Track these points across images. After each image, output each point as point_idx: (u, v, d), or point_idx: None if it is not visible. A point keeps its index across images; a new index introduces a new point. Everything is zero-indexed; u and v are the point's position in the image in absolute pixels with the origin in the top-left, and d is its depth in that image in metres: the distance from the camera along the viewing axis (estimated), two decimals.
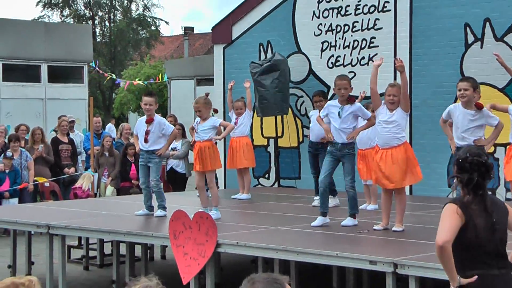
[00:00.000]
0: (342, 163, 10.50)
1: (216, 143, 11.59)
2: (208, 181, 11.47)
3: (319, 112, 12.84)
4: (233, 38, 17.46)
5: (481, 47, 14.15)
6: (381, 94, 10.43)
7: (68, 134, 18.19)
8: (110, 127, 26.60)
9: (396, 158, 9.81)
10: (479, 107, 10.06)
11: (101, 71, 25.66)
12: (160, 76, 30.98)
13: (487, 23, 14.04)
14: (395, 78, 14.67)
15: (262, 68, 15.83)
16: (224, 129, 12.18)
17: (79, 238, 13.91)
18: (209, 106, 11.64)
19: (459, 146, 9.75)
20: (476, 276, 5.32)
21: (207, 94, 12.02)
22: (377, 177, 10.00)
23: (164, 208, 11.54)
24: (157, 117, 11.73)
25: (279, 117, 16.41)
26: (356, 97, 10.89)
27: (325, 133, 10.64)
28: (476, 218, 5.33)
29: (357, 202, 10.52)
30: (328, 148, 10.63)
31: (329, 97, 15.25)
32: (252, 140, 14.75)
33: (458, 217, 5.31)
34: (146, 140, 11.54)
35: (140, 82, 25.27)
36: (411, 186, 14.15)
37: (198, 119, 11.55)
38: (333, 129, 10.48)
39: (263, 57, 16.83)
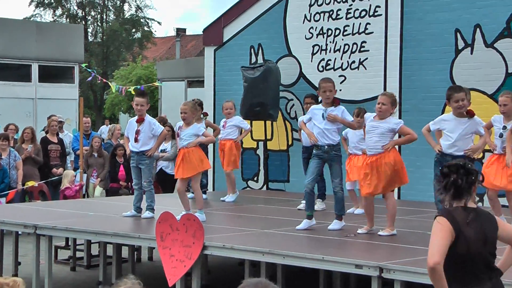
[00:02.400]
0: (329, 166, 10.50)
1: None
2: (193, 183, 11.40)
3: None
4: (224, 40, 17.47)
5: (471, 53, 14.19)
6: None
7: (57, 134, 18.16)
8: (103, 128, 26.58)
9: (381, 164, 9.84)
10: (471, 115, 10.01)
11: (101, 79, 25.56)
12: (155, 83, 30.94)
13: (478, 29, 14.08)
14: (385, 87, 14.68)
15: (256, 75, 15.88)
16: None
17: (67, 239, 13.88)
18: (196, 112, 11.68)
19: (449, 154, 9.72)
20: None
21: (196, 100, 12.08)
22: (362, 184, 10.05)
23: (152, 209, 11.52)
24: (148, 117, 11.73)
25: (264, 121, 16.40)
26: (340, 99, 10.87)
27: (308, 137, 10.63)
28: (466, 230, 5.27)
29: (344, 203, 10.50)
30: (314, 151, 10.62)
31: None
32: (242, 143, 14.73)
33: (448, 233, 5.23)
34: (136, 140, 11.53)
35: (131, 89, 25.27)
36: (399, 191, 14.18)
37: (180, 123, 11.52)
38: (317, 131, 10.48)
39: (253, 59, 16.85)
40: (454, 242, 5.26)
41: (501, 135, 10.26)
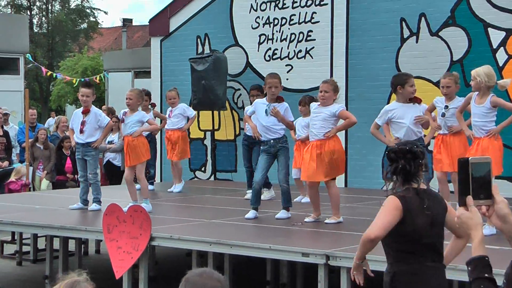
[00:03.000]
0: (277, 158, 10.53)
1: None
2: (138, 173, 11.40)
3: None
4: (170, 31, 17.40)
5: (417, 42, 14.32)
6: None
7: (2, 127, 17.91)
8: (51, 121, 26.29)
9: (321, 151, 9.90)
10: (419, 101, 10.05)
11: (44, 69, 25.44)
12: (98, 78, 30.78)
13: (423, 18, 14.21)
14: (331, 76, 14.74)
15: (205, 65, 15.87)
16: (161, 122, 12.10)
17: (12, 233, 13.72)
18: (141, 99, 11.65)
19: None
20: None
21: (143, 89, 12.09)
22: (304, 169, 10.14)
23: (99, 201, 11.45)
24: (94, 108, 11.65)
25: (215, 110, 16.40)
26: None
27: (253, 132, 10.66)
28: (414, 211, 5.35)
29: (290, 195, 10.55)
30: (262, 147, 10.63)
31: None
32: (189, 133, 14.71)
33: (397, 213, 5.32)
34: (81, 131, 11.44)
35: (74, 79, 25.28)
36: (346, 178, 14.28)
37: (124, 110, 11.48)
38: (260, 126, 10.50)
39: (200, 50, 16.81)
40: (402, 221, 5.34)
41: (443, 115, 10.38)
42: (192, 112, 14.05)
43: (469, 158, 3.35)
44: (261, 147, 10.67)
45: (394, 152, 5.50)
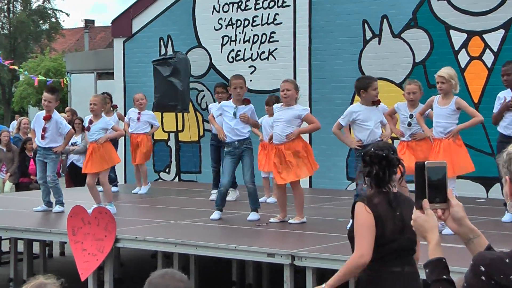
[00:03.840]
0: (242, 159, 10.57)
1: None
2: (101, 177, 11.37)
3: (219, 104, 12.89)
4: (133, 32, 17.37)
5: (379, 43, 14.42)
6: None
7: None
8: (15, 123, 26.06)
9: (286, 153, 9.95)
10: (378, 103, 10.09)
11: (7, 62, 25.20)
12: (64, 80, 30.63)
13: (385, 20, 14.32)
14: (294, 77, 14.78)
15: (167, 67, 15.87)
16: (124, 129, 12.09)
17: None
18: (105, 105, 11.72)
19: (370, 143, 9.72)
20: None
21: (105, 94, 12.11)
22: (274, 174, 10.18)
23: (62, 203, 11.43)
24: (55, 115, 11.58)
25: (178, 112, 16.41)
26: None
27: (218, 133, 10.70)
28: (384, 217, 5.28)
29: (257, 196, 10.60)
30: (226, 149, 10.67)
31: None
32: (153, 135, 14.71)
33: (372, 222, 5.26)
34: (43, 137, 11.42)
35: (42, 77, 25.08)
36: (310, 179, 14.35)
37: (89, 116, 11.49)
38: (227, 128, 10.54)
39: (163, 51, 16.80)
40: None
41: (409, 124, 10.33)
42: (157, 123, 14.20)
43: (425, 162, 3.42)
44: (225, 149, 10.71)
45: (369, 155, 5.41)
